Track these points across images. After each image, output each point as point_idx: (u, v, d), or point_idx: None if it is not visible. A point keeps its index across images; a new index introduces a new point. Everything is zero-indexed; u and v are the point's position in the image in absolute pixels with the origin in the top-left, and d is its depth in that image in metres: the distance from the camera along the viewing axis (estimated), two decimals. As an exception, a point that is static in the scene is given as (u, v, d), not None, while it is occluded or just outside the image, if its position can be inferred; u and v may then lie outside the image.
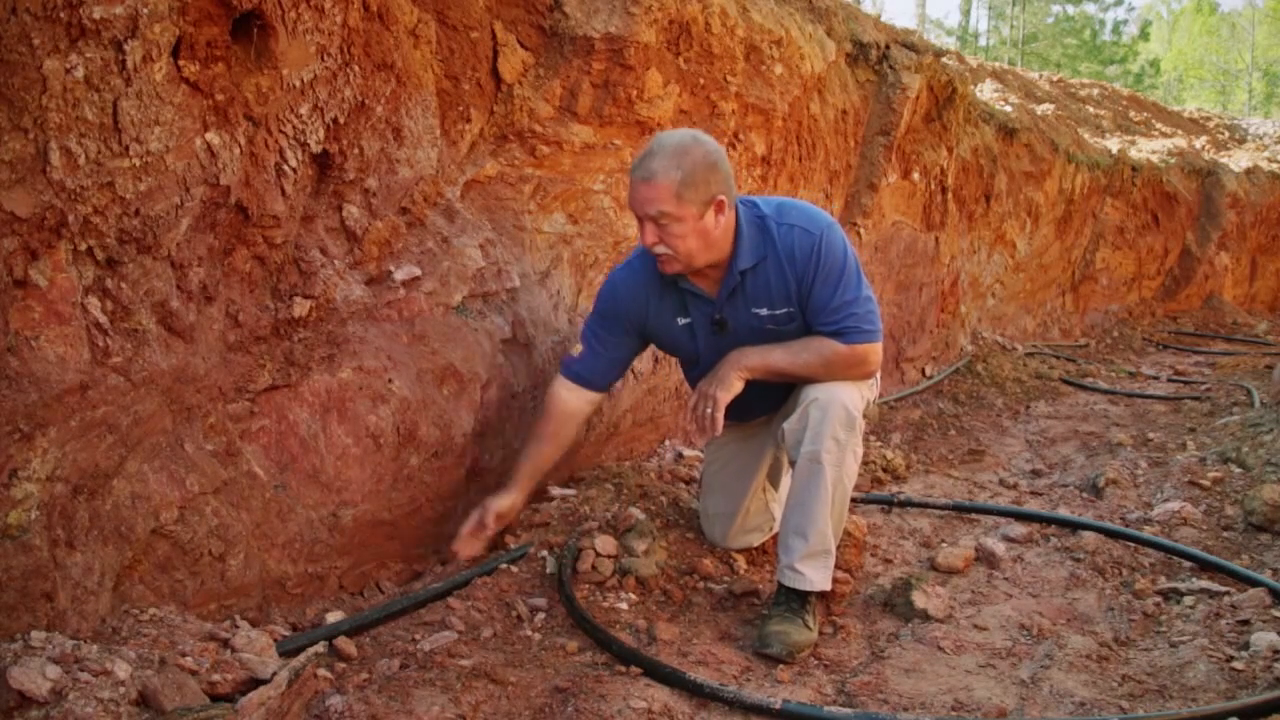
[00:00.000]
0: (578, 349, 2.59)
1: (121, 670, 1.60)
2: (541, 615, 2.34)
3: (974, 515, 3.39)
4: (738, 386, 2.38)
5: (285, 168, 2.07)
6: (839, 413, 2.31)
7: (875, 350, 2.41)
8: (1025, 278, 7.47)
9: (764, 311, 2.42)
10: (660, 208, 2.24)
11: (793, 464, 2.39)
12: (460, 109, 2.62)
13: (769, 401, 2.56)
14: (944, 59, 5.38)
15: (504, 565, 2.52)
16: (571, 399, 2.57)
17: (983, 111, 6.38)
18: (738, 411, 2.44)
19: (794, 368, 2.40)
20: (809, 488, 2.33)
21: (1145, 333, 8.58)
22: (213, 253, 2.01)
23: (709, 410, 2.36)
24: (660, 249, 2.31)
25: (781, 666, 2.22)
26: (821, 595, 2.45)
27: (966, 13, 32.83)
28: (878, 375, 2.58)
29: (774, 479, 2.74)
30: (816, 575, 2.35)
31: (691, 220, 2.27)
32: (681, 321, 2.49)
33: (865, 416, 2.47)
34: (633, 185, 2.29)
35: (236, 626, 2.04)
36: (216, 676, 1.75)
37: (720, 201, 2.29)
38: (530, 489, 2.61)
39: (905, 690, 2.14)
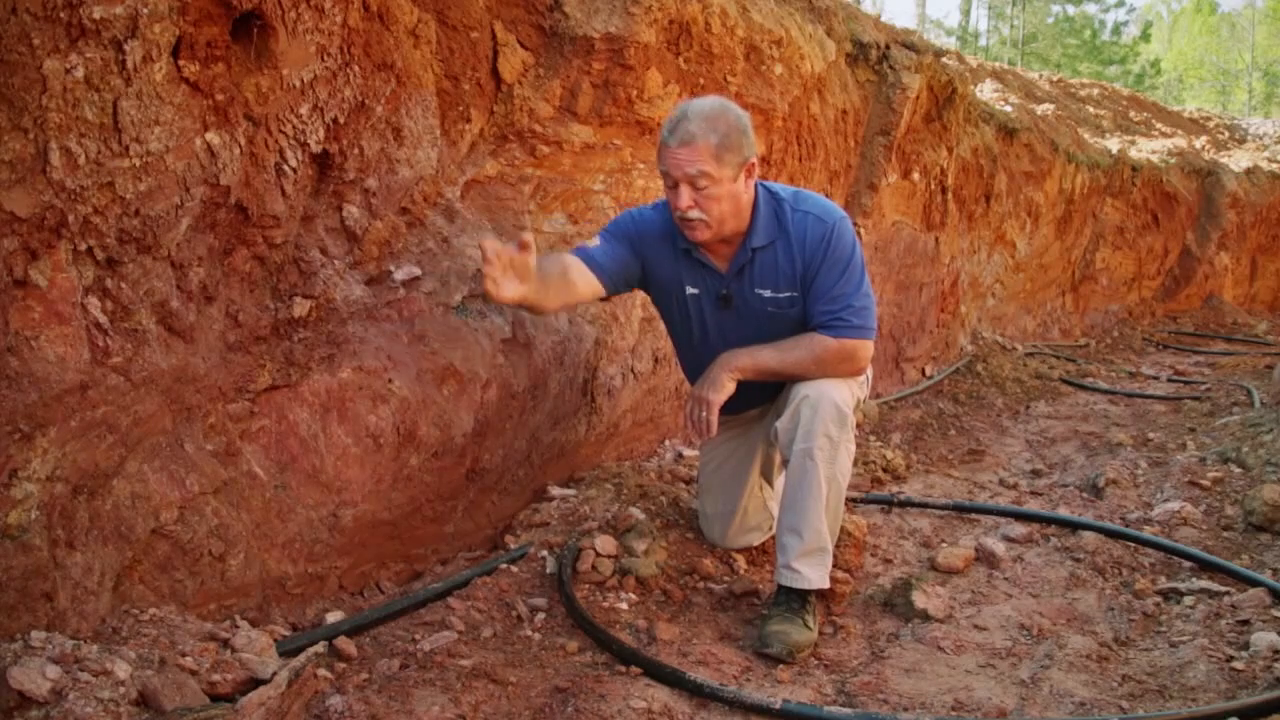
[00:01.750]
0: (593, 242, 2.50)
1: (121, 670, 1.60)
2: (541, 615, 2.34)
3: (974, 515, 3.39)
4: (730, 388, 2.41)
5: (285, 168, 2.07)
6: (830, 410, 2.32)
7: (865, 347, 2.43)
8: (1025, 278, 7.47)
9: (767, 293, 2.44)
10: (701, 167, 2.26)
11: (786, 463, 2.40)
12: (460, 109, 2.62)
13: (762, 393, 2.58)
14: (944, 59, 5.38)
15: (504, 565, 2.52)
16: (578, 263, 2.41)
17: (983, 111, 6.38)
18: (731, 405, 2.45)
19: (784, 366, 2.41)
20: (802, 486, 2.33)
21: (1145, 333, 8.58)
22: (213, 253, 2.01)
23: (703, 413, 2.40)
24: (694, 214, 2.31)
25: (781, 666, 2.22)
26: (821, 595, 2.45)
27: (966, 13, 32.82)
28: (869, 374, 2.59)
29: (767, 476, 2.74)
30: (813, 573, 2.35)
31: (727, 183, 2.30)
32: (690, 291, 2.51)
33: (864, 415, 2.47)
34: (667, 151, 2.30)
35: (236, 626, 2.03)
36: (216, 676, 1.75)
37: (751, 165, 2.35)
38: (530, 282, 2.17)
39: (905, 690, 2.14)
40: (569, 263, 2.41)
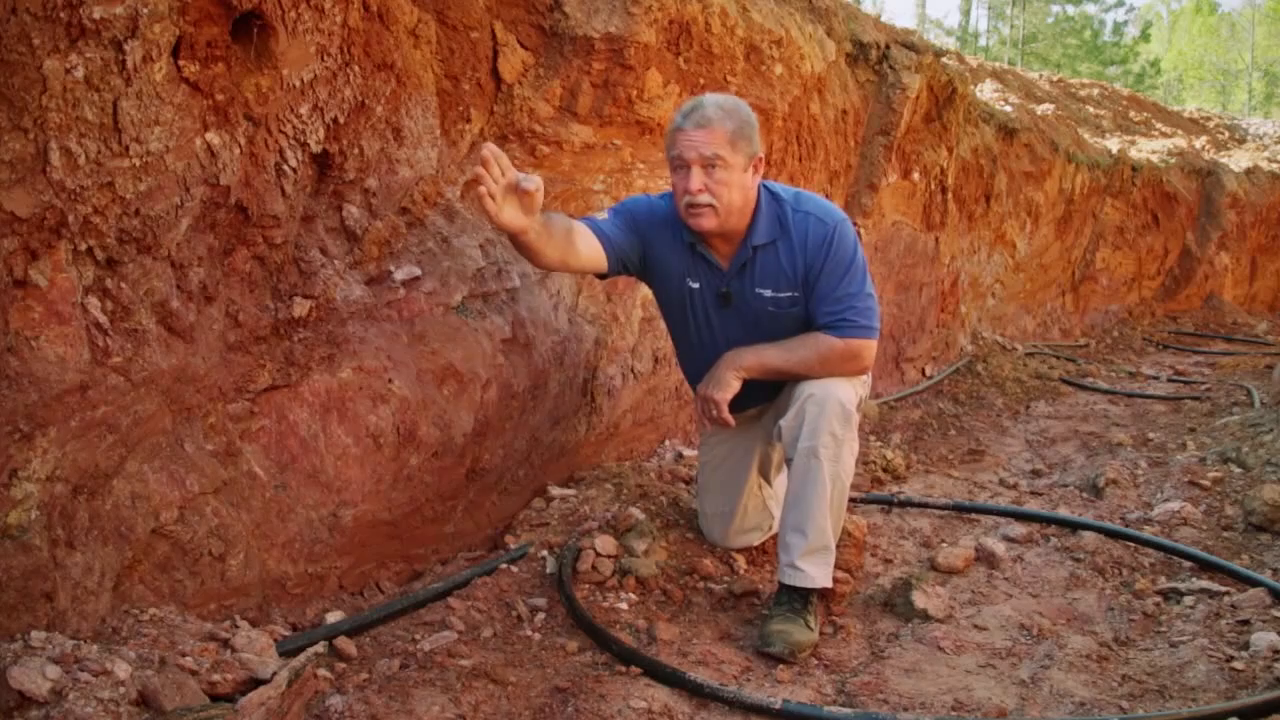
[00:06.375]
0: (601, 216, 2.54)
1: (121, 670, 1.60)
2: (541, 615, 2.34)
3: (974, 515, 3.39)
4: (735, 386, 2.44)
5: (285, 168, 2.07)
6: (835, 408, 2.33)
7: (869, 346, 2.44)
8: (1025, 278, 7.47)
9: (768, 293, 2.45)
10: (716, 150, 2.30)
11: (789, 461, 2.40)
12: (460, 109, 2.62)
13: (762, 392, 2.59)
14: (944, 59, 5.38)
15: (504, 565, 2.52)
16: (585, 229, 2.41)
17: (983, 111, 6.38)
18: (732, 403, 2.47)
19: (789, 365, 2.43)
20: (806, 484, 2.34)
21: (1145, 333, 8.58)
22: (213, 253, 2.01)
23: (713, 412, 2.45)
24: (704, 197, 2.33)
25: (781, 666, 2.22)
26: (822, 596, 2.45)
27: (966, 13, 32.85)
28: (869, 373, 2.59)
29: (765, 475, 2.74)
30: (817, 572, 2.35)
31: (738, 171, 2.34)
32: (692, 284, 2.52)
33: (864, 415, 2.48)
34: (681, 134, 2.32)
35: (236, 626, 2.03)
36: (216, 676, 1.75)
37: (759, 160, 2.39)
38: (533, 218, 2.21)
39: (905, 690, 2.14)
40: (576, 226, 2.41)
